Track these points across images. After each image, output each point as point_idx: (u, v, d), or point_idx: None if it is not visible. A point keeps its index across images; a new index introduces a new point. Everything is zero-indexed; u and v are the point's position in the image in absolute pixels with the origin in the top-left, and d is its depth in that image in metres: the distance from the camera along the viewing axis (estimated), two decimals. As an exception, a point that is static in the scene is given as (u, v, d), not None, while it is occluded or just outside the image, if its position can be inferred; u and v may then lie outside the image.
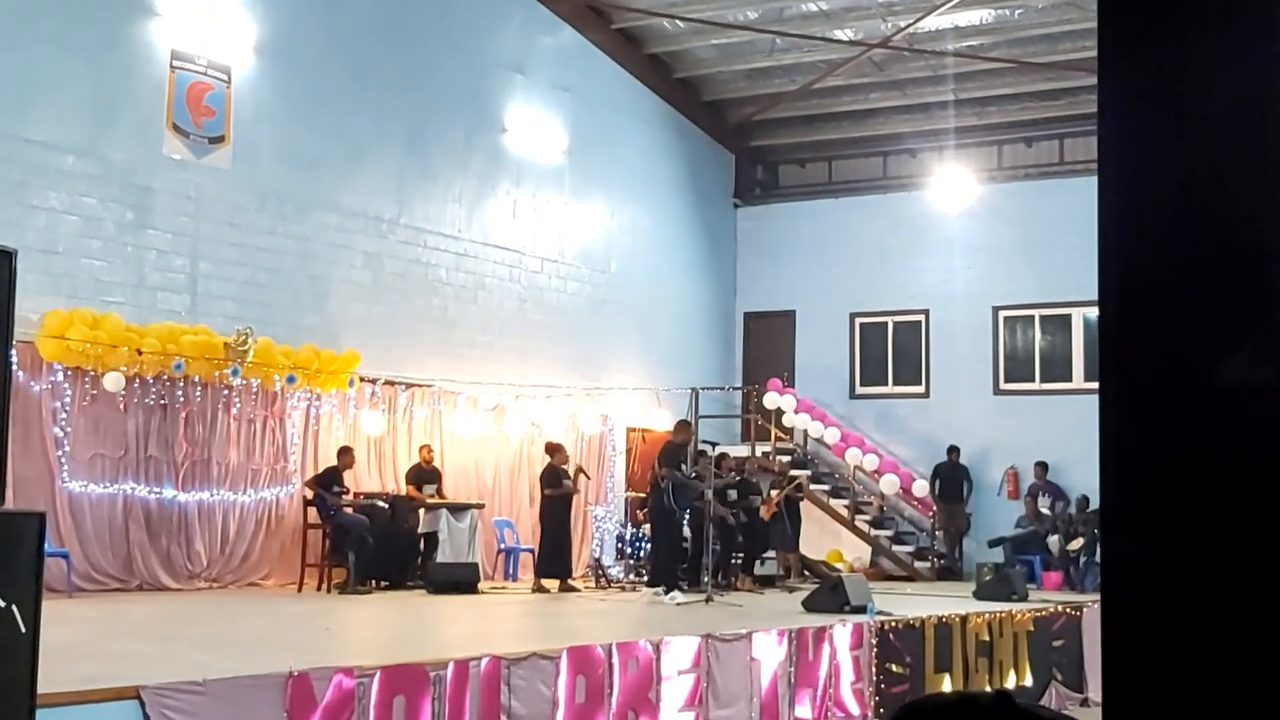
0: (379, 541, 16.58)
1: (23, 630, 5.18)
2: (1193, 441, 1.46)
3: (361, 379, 17.82)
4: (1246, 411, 1.43)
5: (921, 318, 24.45)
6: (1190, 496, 1.48)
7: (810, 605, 14.17)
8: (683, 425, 18.05)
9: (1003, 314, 23.83)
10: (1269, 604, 1.42)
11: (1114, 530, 1.54)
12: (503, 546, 19.19)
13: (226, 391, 16.29)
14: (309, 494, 16.56)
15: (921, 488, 22.95)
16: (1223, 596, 1.45)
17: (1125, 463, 1.52)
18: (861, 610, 13.33)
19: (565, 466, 17.99)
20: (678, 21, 22.95)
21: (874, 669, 12.45)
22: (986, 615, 14.26)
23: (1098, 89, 1.58)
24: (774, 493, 20.20)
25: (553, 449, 18.23)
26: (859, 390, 24.86)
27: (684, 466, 16.88)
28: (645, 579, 17.80)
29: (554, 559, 17.42)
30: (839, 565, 21.36)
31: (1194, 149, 1.51)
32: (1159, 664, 1.48)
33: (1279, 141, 1.45)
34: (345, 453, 16.96)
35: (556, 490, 17.62)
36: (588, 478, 18.90)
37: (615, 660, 9.81)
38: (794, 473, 22.07)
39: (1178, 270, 1.49)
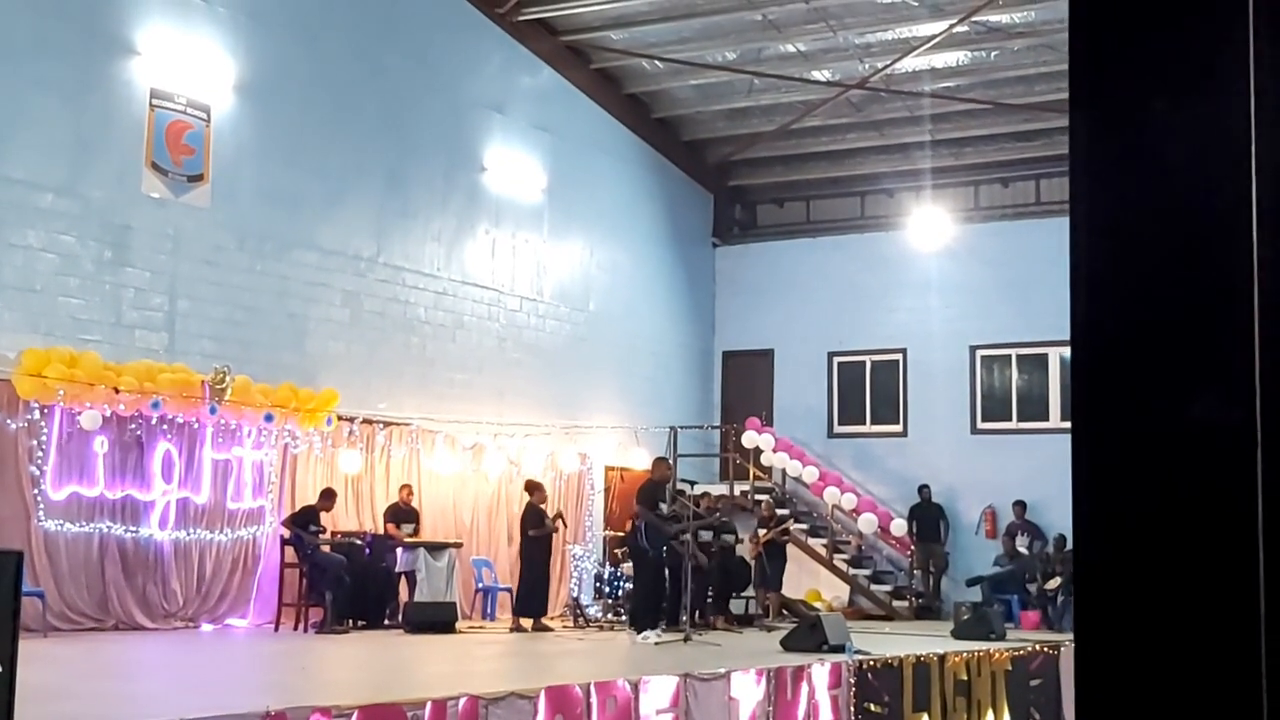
0: (356, 581, 16.52)
1: (-1, 670, 5.15)
2: (1165, 481, 1.48)
3: (339, 417, 17.78)
4: (1218, 452, 1.45)
5: (899, 357, 24.52)
6: (1163, 535, 1.50)
7: (789, 644, 14.16)
8: (660, 463, 18.00)
9: (980, 353, 23.92)
10: (1240, 641, 1.44)
11: (1087, 570, 1.56)
12: (480, 586, 19.14)
13: (204, 429, 16.24)
14: (286, 533, 16.50)
15: (899, 526, 22.96)
16: (1195, 635, 1.47)
17: (1098, 503, 1.54)
18: (840, 649, 13.32)
19: (544, 505, 17.98)
20: (656, 62, 23.07)
21: (852, 708, 12.43)
22: (964, 654, 14.26)
23: (1069, 131, 1.61)
24: (761, 532, 20.22)
25: (532, 487, 18.18)
26: (837, 429, 24.91)
27: (662, 505, 16.82)
28: (625, 619, 17.75)
29: (530, 598, 17.39)
30: (818, 604, 21.35)
31: (1166, 193, 1.53)
32: (1131, 703, 1.50)
33: (1246, 187, 1.48)
34: (327, 495, 16.92)
35: (539, 531, 17.56)
36: (564, 525, 18.76)
37: (594, 700, 9.78)
38: (781, 512, 22.03)
39: (1150, 313, 1.52)
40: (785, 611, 20.08)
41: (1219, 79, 1.53)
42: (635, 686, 10.19)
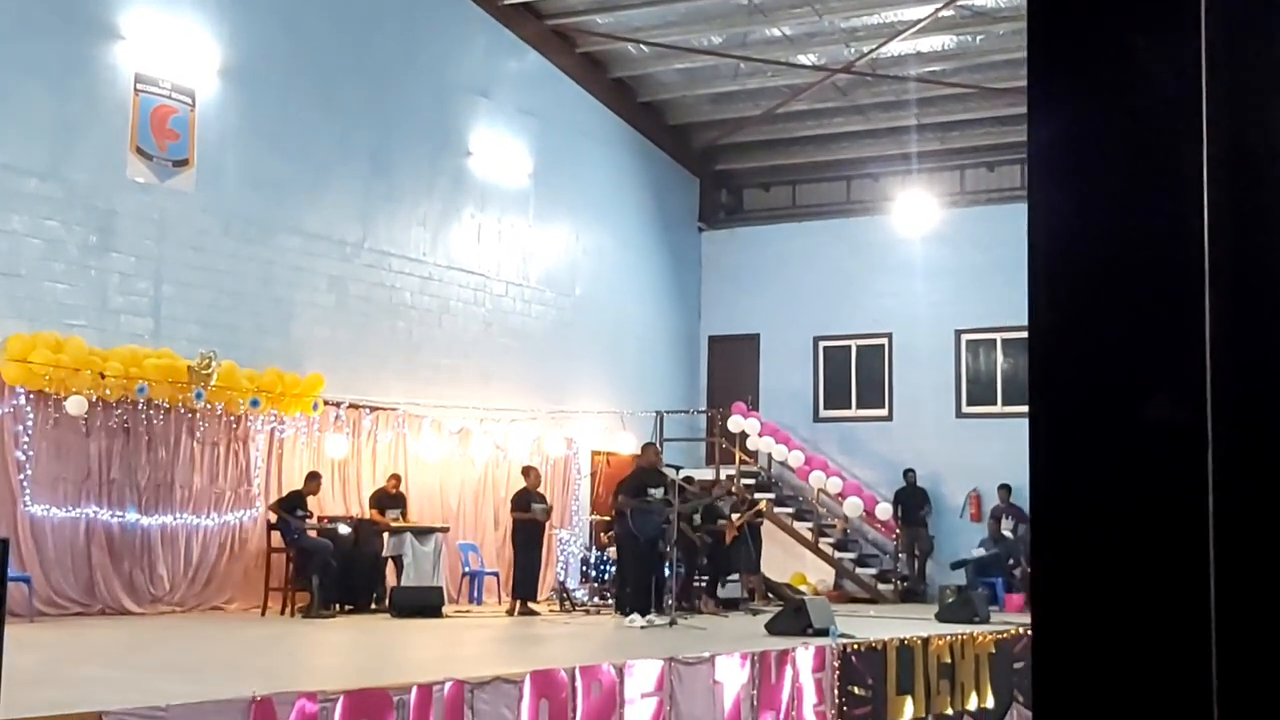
0: (342, 565, 16.55)
1: (-16, 656, 5.18)
2: (1117, 478, 1.52)
3: (326, 402, 17.80)
4: (1167, 451, 1.48)
5: (885, 341, 24.59)
6: (1114, 530, 1.53)
7: (773, 628, 14.22)
8: (649, 448, 18.09)
9: (965, 337, 24.00)
10: (1186, 634, 1.48)
11: (1042, 564, 1.59)
12: (467, 570, 19.18)
13: (190, 415, 16.25)
14: (272, 518, 16.52)
15: (885, 510, 23.05)
16: (1144, 629, 1.51)
17: (1052, 496, 1.57)
18: (824, 633, 13.38)
19: (539, 489, 18.15)
20: (642, 46, 23.07)
21: (836, 691, 12.51)
22: (948, 637, 14.34)
23: (1028, 128, 1.63)
24: (735, 516, 20.24)
25: (524, 471, 18.45)
26: (823, 413, 24.97)
27: (651, 491, 16.84)
28: (611, 603, 17.82)
29: (521, 581, 17.55)
30: (803, 588, 21.43)
31: (1115, 191, 1.56)
32: (1086, 695, 1.54)
33: (1197, 187, 1.51)
34: (313, 478, 16.95)
35: (521, 515, 17.77)
36: (547, 515, 18.75)
37: (578, 683, 9.84)
38: (756, 496, 22.10)
39: (1104, 309, 1.55)
40: (771, 595, 20.14)
41: (1166, 75, 1.56)
42: (620, 670, 10.24)
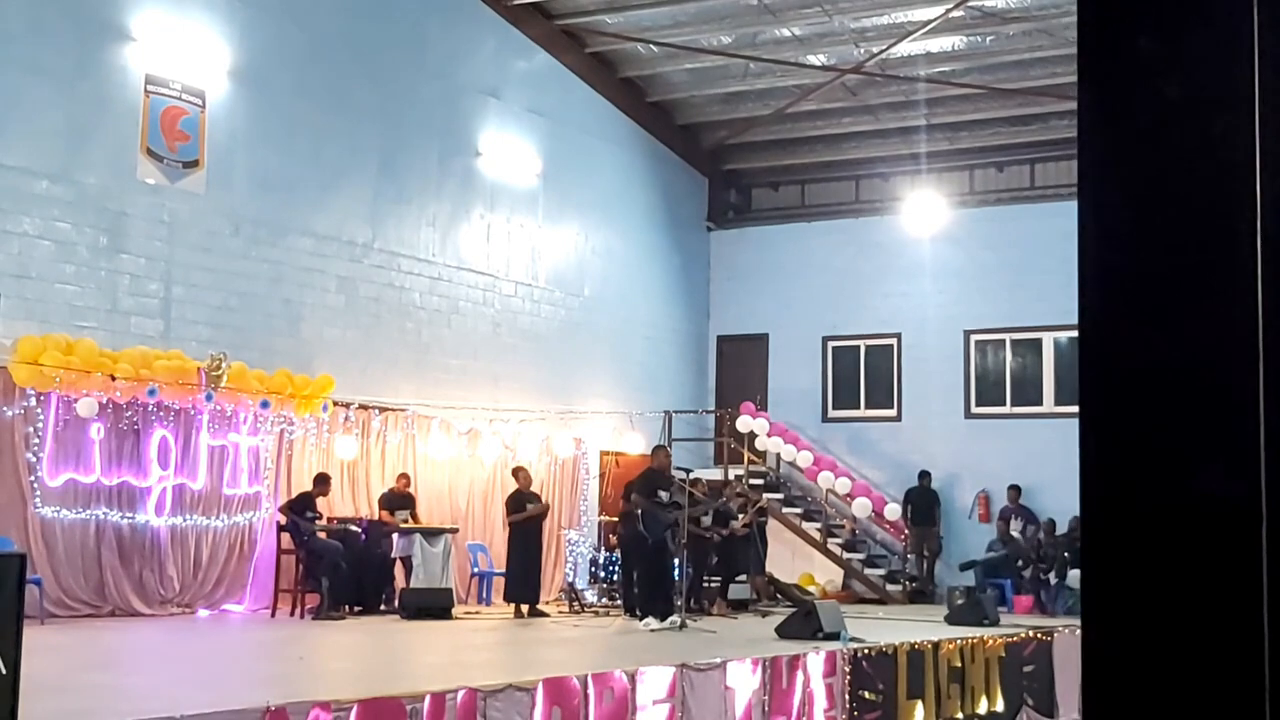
0: (352, 567, 16.55)
1: (2, 672, 5.18)
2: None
3: (335, 403, 17.81)
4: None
5: (893, 341, 24.56)
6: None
7: (784, 632, 14.19)
8: (659, 451, 18.04)
9: (974, 338, 23.95)
10: (1243, 653, 1.47)
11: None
12: (476, 570, 19.19)
13: (200, 416, 16.26)
14: (282, 519, 16.52)
15: (893, 511, 23.01)
16: (1198, 643, 1.49)
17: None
18: (835, 637, 13.36)
19: (532, 489, 18.07)
20: (651, 46, 23.04)
21: (847, 696, 12.50)
22: (958, 641, 14.32)
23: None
24: (741, 517, 20.23)
25: (515, 472, 18.34)
26: (831, 414, 24.95)
27: (661, 493, 16.81)
28: (620, 604, 17.80)
29: (516, 582, 17.45)
30: (811, 588, 21.41)
31: (1173, 180, 1.54)
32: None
33: (1249, 165, 1.48)
34: (322, 479, 16.92)
35: (517, 515, 17.66)
36: (543, 512, 18.70)
37: (591, 691, 9.83)
38: (762, 495, 22.03)
39: (1156, 313, 1.53)
40: (779, 595, 20.12)
41: (1218, 73, 1.54)
42: (632, 677, 10.24)
